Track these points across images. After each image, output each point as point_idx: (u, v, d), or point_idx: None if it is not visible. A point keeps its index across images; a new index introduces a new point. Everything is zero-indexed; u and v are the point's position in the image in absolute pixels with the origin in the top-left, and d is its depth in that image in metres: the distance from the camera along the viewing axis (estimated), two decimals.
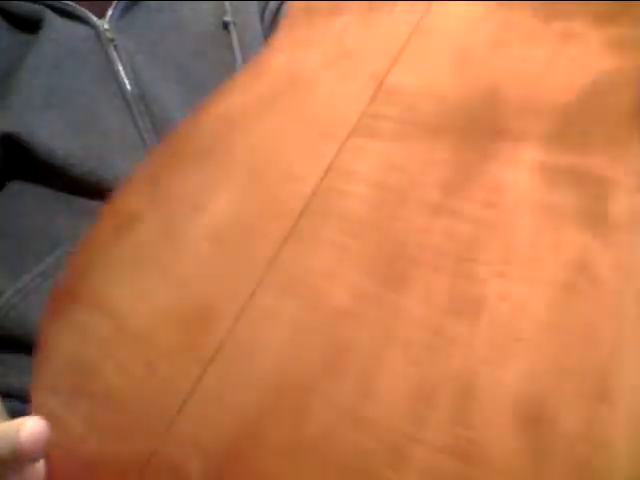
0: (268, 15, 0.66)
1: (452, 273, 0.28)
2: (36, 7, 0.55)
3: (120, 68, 0.56)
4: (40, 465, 0.35)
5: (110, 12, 0.57)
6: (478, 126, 0.31)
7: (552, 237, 0.26)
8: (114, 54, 0.56)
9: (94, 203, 0.55)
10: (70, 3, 0.56)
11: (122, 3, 0.57)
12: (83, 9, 0.56)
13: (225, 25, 0.61)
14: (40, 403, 0.38)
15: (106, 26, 0.56)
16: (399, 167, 0.32)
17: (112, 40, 0.56)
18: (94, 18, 0.56)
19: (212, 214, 0.38)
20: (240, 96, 0.42)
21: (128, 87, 0.55)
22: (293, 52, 0.41)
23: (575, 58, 0.29)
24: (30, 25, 0.55)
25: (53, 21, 0.54)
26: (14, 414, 0.44)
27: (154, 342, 0.37)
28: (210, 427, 0.32)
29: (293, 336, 0.31)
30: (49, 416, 0.37)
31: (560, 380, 0.24)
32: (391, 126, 0.33)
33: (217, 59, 0.61)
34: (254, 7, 0.65)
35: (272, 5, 0.67)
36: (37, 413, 0.37)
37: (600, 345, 0.23)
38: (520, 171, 0.28)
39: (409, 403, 0.27)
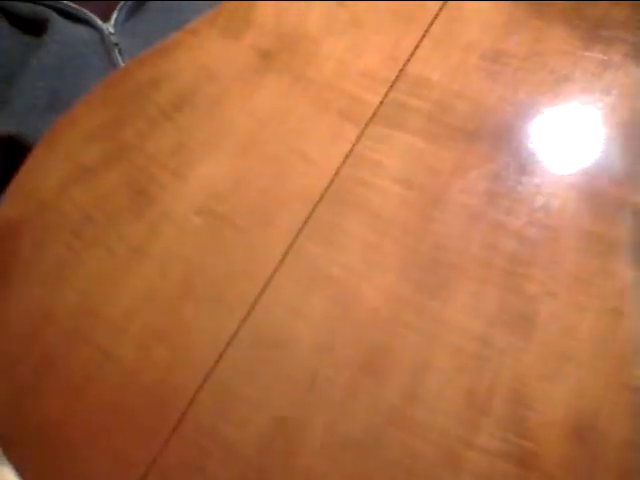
0: None
1: (500, 286, 0.30)
2: (41, 9, 0.56)
3: None
4: None
5: (115, 15, 0.58)
6: (514, 137, 0.32)
7: (598, 264, 0.30)
8: (118, 57, 0.57)
9: None
10: (75, 6, 0.57)
11: (127, 6, 0.58)
12: (88, 12, 0.57)
13: None
14: None
15: (111, 29, 0.57)
16: (430, 167, 0.33)
17: (116, 44, 0.57)
18: (99, 21, 0.57)
19: (200, 184, 0.36)
20: (222, 42, 0.39)
21: None
22: (282, 7, 0.39)
23: (614, 88, 0.32)
24: (35, 27, 0.56)
25: (57, 23, 0.55)
26: None
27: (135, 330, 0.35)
28: (230, 420, 0.32)
29: (324, 333, 0.32)
30: None
31: (610, 395, 0.28)
32: (420, 121, 0.34)
33: None
34: None
35: None
36: None
37: None
38: (564, 193, 0.31)
39: (461, 408, 0.29)
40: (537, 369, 0.29)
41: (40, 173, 0.40)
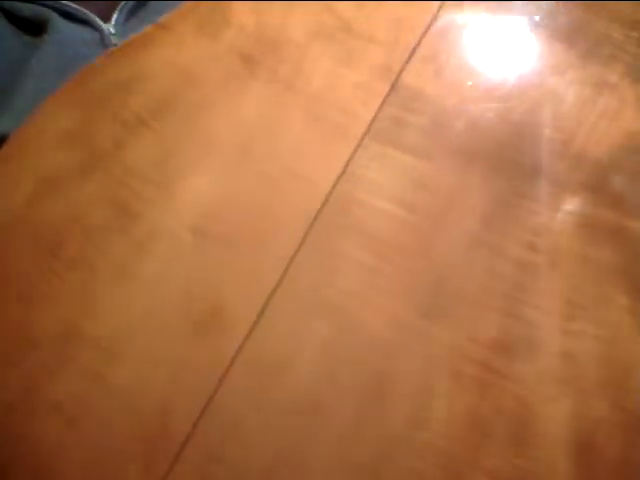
0: None
1: (500, 312, 0.31)
2: (42, 10, 0.56)
3: None
4: None
5: (115, 16, 0.58)
6: (511, 158, 0.33)
7: (593, 291, 0.31)
8: None
9: None
10: (75, 6, 0.57)
11: (127, 6, 0.58)
12: (88, 12, 0.57)
13: None
14: None
15: (111, 30, 0.57)
16: (428, 187, 0.33)
17: (117, 44, 0.56)
18: (99, 22, 0.57)
19: (189, 199, 0.35)
20: (198, 41, 0.37)
21: None
22: (261, 7, 0.37)
23: (609, 110, 0.32)
24: (35, 27, 0.56)
25: (58, 24, 0.56)
26: None
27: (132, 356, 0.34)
28: (234, 445, 0.32)
29: (326, 358, 0.32)
30: None
31: (606, 417, 0.30)
32: (417, 138, 0.33)
33: None
34: None
35: None
36: None
37: None
38: (559, 217, 0.32)
39: (465, 433, 0.30)
40: (537, 392, 0.31)
41: (3, 184, 0.37)
